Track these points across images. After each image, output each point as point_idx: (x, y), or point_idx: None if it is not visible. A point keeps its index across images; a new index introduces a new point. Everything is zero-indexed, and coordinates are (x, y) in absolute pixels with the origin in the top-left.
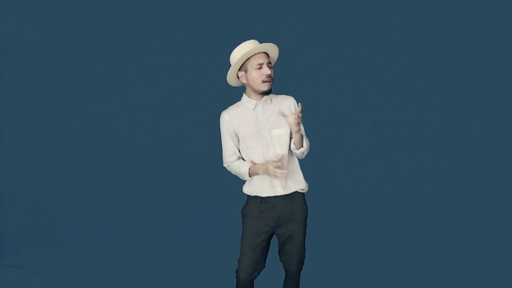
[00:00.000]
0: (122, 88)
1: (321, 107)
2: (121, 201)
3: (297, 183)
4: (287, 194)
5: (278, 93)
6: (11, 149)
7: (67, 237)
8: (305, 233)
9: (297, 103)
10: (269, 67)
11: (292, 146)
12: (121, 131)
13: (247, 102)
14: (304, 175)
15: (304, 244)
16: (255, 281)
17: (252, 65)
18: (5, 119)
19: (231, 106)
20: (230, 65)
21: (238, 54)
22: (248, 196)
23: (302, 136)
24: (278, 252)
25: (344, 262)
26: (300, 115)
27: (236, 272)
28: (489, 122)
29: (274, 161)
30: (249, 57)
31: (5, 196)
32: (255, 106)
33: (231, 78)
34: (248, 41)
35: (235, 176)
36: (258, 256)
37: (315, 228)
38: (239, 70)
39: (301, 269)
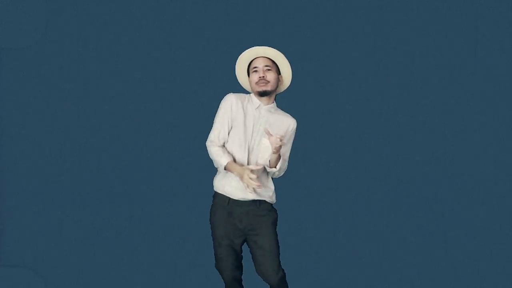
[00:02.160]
0: (122, 88)
1: (322, 108)
2: (121, 201)
3: (267, 193)
4: (255, 200)
5: (279, 94)
6: (11, 149)
7: (67, 237)
8: (277, 240)
9: (292, 129)
10: (266, 70)
11: (267, 162)
12: (122, 130)
13: (253, 99)
14: (304, 176)
15: (278, 252)
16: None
17: (251, 69)
18: (5, 119)
19: (240, 94)
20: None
21: (238, 59)
22: (216, 192)
23: (279, 157)
24: (254, 265)
25: (343, 262)
26: (283, 141)
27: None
28: (489, 122)
29: (251, 170)
30: (250, 62)
31: (5, 196)
32: (258, 106)
33: (242, 81)
34: (255, 47)
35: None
36: (233, 258)
37: (315, 228)
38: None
39: (284, 278)
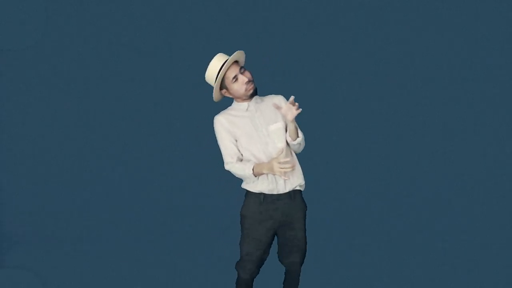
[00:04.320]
0: (122, 88)
1: (321, 108)
2: (121, 201)
3: (297, 178)
4: (288, 192)
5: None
6: (11, 149)
7: (67, 237)
8: (305, 229)
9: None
10: (243, 73)
11: (289, 139)
12: (122, 130)
13: (238, 105)
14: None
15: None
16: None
17: (228, 80)
18: (5, 119)
19: (223, 111)
20: (211, 79)
21: (211, 76)
22: (249, 192)
23: (296, 126)
24: (279, 254)
25: (343, 262)
26: (294, 103)
27: (238, 269)
28: (489, 122)
29: (277, 158)
30: (222, 76)
31: (5, 196)
32: (248, 107)
33: (216, 97)
34: (214, 58)
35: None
36: (262, 256)
37: (314, 228)
38: (220, 89)
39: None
